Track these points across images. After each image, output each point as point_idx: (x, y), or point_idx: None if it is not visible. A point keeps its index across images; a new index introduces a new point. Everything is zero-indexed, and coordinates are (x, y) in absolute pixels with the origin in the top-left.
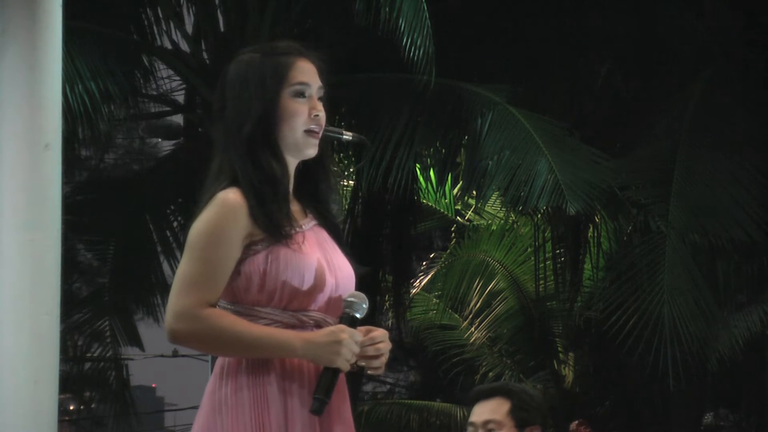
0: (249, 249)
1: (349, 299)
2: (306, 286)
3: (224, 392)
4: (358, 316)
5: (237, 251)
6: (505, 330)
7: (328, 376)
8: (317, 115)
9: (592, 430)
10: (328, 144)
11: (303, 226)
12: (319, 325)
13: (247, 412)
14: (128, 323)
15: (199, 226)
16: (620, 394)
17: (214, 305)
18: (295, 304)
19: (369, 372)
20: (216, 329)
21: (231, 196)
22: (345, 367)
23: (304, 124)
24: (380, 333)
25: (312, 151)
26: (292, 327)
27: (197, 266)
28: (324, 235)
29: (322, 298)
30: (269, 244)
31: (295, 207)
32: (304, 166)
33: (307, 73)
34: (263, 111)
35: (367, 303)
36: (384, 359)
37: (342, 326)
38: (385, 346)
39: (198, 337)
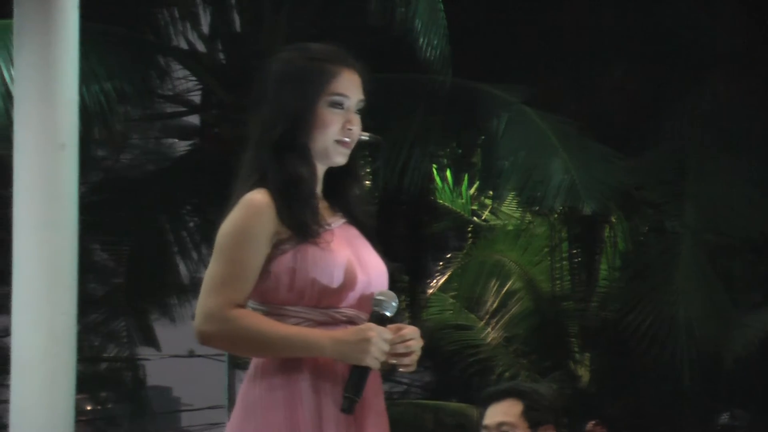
0: (277, 248)
1: (378, 297)
2: (336, 284)
3: (256, 393)
4: (387, 314)
5: (265, 251)
6: (520, 330)
7: (357, 375)
8: (351, 129)
9: (608, 430)
10: (357, 152)
11: (332, 224)
12: (352, 322)
13: (280, 412)
14: (144, 323)
15: (226, 227)
16: (635, 394)
17: (242, 306)
18: (326, 301)
19: (401, 370)
20: (244, 330)
21: (258, 197)
22: (374, 365)
23: (336, 134)
24: (411, 330)
25: (341, 160)
26: (325, 324)
27: (225, 267)
28: (354, 233)
29: (353, 296)
30: (296, 243)
31: (323, 205)
32: (334, 170)
33: (349, 85)
34: (297, 115)
35: (397, 301)
36: (415, 357)
37: (370, 324)
38: (416, 344)
39: (226, 338)
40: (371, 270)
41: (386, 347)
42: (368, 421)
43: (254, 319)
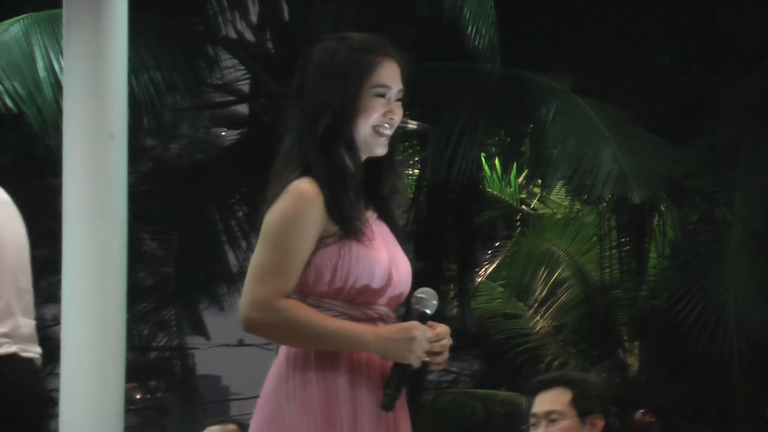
0: (321, 241)
1: (419, 295)
2: (376, 282)
3: (292, 385)
4: (428, 312)
5: (312, 242)
6: (569, 319)
7: (398, 372)
8: (392, 118)
9: (657, 419)
10: (396, 139)
11: (369, 220)
12: (383, 320)
13: (316, 405)
14: (193, 312)
15: (275, 215)
16: (685, 383)
17: (289, 296)
18: (363, 298)
19: (431, 368)
20: (292, 321)
21: (308, 187)
22: (417, 363)
23: (375, 121)
24: (444, 329)
25: (381, 150)
26: (357, 320)
27: (274, 256)
28: (385, 229)
29: (388, 294)
30: (341, 237)
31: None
32: (371, 160)
33: (390, 75)
34: (341, 105)
35: (437, 299)
36: (446, 356)
37: (415, 323)
38: (448, 342)
39: (274, 328)
40: (401, 269)
41: (428, 346)
42: (399, 414)
43: (304, 311)
